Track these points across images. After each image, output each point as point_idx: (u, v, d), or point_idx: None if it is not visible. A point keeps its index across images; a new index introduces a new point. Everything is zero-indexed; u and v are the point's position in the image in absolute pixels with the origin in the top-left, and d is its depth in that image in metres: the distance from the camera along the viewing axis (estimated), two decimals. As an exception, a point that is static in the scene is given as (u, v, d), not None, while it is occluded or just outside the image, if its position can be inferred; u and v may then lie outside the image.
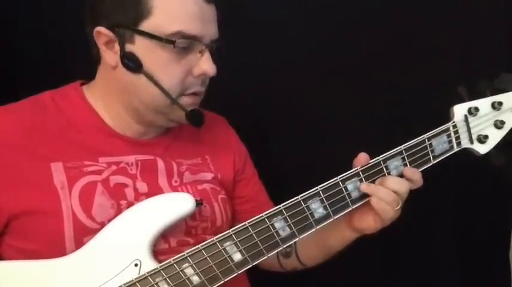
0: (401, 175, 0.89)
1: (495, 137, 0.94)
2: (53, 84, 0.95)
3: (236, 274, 0.84)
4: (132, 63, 0.86)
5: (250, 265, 0.84)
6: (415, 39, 1.27)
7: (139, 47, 0.86)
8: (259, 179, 1.11)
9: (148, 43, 0.85)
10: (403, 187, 0.87)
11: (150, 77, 0.86)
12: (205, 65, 0.88)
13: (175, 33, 0.84)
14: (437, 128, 0.92)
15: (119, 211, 0.85)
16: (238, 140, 1.10)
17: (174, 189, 0.93)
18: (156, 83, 0.86)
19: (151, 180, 0.91)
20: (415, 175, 0.89)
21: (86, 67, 0.94)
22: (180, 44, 0.85)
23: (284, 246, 0.86)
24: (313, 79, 1.30)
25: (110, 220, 0.84)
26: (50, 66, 1.26)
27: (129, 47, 0.86)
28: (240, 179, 1.06)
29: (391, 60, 1.27)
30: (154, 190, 0.90)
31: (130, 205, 0.86)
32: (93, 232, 0.83)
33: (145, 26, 0.85)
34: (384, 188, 0.86)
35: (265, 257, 0.85)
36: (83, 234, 0.83)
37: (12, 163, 0.83)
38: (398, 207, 0.87)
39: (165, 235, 0.87)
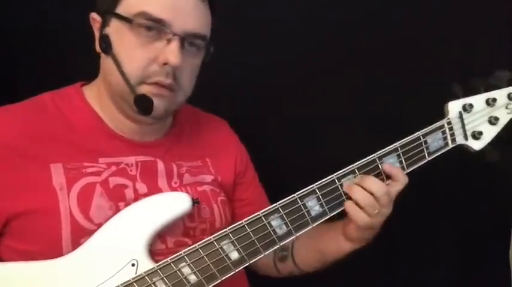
0: None
1: (489, 133, 0.95)
2: (53, 84, 0.95)
3: (233, 272, 0.84)
4: (104, 45, 0.87)
5: (247, 264, 0.84)
6: (410, 37, 1.27)
7: (112, 29, 0.87)
8: (259, 182, 1.11)
9: (119, 25, 0.86)
10: (380, 188, 0.86)
11: (115, 59, 0.86)
12: (170, 54, 0.84)
13: (140, 13, 0.84)
14: (432, 125, 0.92)
15: (117, 213, 0.85)
16: (239, 144, 1.09)
17: (174, 190, 0.92)
18: (118, 65, 0.85)
19: (151, 181, 0.91)
20: (393, 171, 0.89)
21: (86, 67, 0.94)
22: (141, 23, 0.84)
23: (281, 244, 0.86)
24: (308, 78, 1.30)
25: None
26: (50, 67, 1.25)
27: (106, 30, 0.88)
28: (241, 182, 1.06)
29: (386, 58, 1.27)
30: (153, 191, 0.89)
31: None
32: (91, 233, 0.83)
33: (120, 9, 0.86)
34: (361, 190, 0.86)
35: (262, 255, 0.85)
36: (80, 235, 0.83)
37: (11, 164, 0.83)
38: (375, 212, 0.86)
39: (162, 235, 0.87)
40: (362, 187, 0.87)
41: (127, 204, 0.86)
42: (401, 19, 1.27)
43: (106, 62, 0.88)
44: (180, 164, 0.95)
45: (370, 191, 0.86)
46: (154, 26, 0.84)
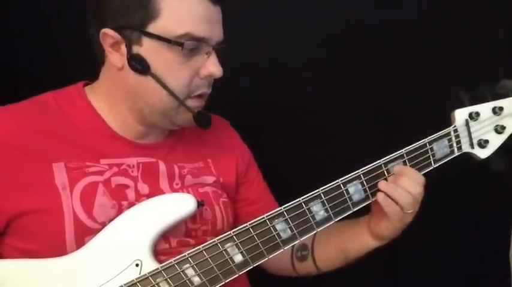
0: None
1: (496, 142, 0.95)
2: (54, 84, 0.95)
3: (237, 275, 0.84)
4: (139, 65, 0.86)
5: (251, 267, 0.85)
6: (417, 44, 1.27)
7: (146, 48, 0.86)
8: (264, 180, 1.11)
9: (156, 45, 0.85)
10: (418, 188, 0.87)
11: (157, 79, 0.86)
12: (212, 66, 0.88)
13: (184, 35, 0.84)
14: (438, 132, 0.92)
15: (120, 212, 0.85)
16: (241, 143, 1.10)
17: (175, 191, 0.92)
18: (163, 85, 0.86)
19: (153, 182, 0.91)
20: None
21: (87, 67, 0.94)
22: (188, 46, 0.85)
23: (285, 248, 0.86)
24: (315, 81, 1.30)
25: (111, 220, 0.84)
26: (50, 67, 1.25)
27: (136, 49, 0.86)
28: (244, 181, 1.06)
29: (393, 64, 1.28)
30: (155, 192, 0.89)
31: (131, 205, 0.86)
32: (94, 232, 0.83)
33: (153, 28, 0.84)
34: (401, 190, 0.86)
35: (266, 258, 0.85)
36: (84, 234, 0.83)
37: (13, 164, 0.83)
38: (410, 211, 0.87)
39: (165, 235, 0.87)
40: (400, 187, 0.87)
41: (130, 203, 0.87)
42: (412, 24, 1.28)
43: (139, 80, 0.87)
44: (181, 166, 0.95)
45: (407, 190, 0.86)
46: (197, 45, 0.86)
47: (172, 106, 0.89)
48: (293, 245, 0.99)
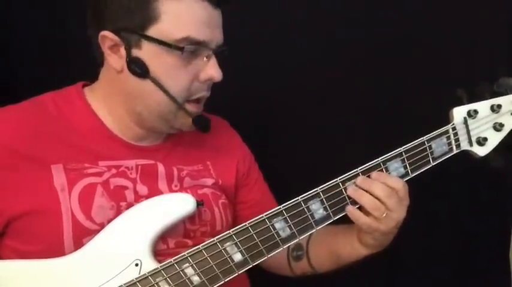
0: (401, 177, 0.89)
1: (494, 139, 0.95)
2: (53, 84, 0.95)
3: (236, 274, 0.84)
4: (138, 69, 0.85)
5: (251, 266, 0.85)
6: (415, 42, 1.27)
7: (146, 52, 0.85)
8: (265, 182, 1.11)
9: (156, 48, 0.84)
10: (383, 190, 0.85)
11: (156, 83, 0.86)
12: (212, 70, 0.88)
13: (184, 39, 0.84)
14: (436, 130, 0.92)
15: (118, 213, 0.85)
16: (241, 144, 1.09)
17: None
18: (163, 89, 0.86)
19: (152, 184, 0.91)
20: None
21: (86, 68, 0.94)
22: (188, 49, 0.85)
23: (284, 247, 0.86)
24: (314, 80, 1.30)
25: (109, 222, 0.84)
26: (50, 67, 1.26)
27: (135, 52, 0.85)
28: (244, 184, 1.06)
29: (391, 62, 1.28)
30: (154, 193, 0.89)
31: (130, 206, 0.86)
32: (93, 233, 0.83)
33: (153, 31, 0.84)
34: (365, 193, 0.86)
35: (266, 257, 0.85)
36: (82, 235, 0.83)
37: (12, 165, 0.83)
38: (383, 215, 0.85)
39: (163, 236, 0.87)
40: (366, 191, 0.86)
41: (128, 204, 0.87)
42: (409, 23, 1.28)
43: (138, 84, 0.87)
44: (180, 168, 0.95)
45: (374, 194, 0.86)
46: (197, 48, 0.85)
47: (171, 110, 0.88)
48: (289, 245, 1.00)
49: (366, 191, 0.86)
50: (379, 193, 0.85)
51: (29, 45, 1.27)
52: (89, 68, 0.94)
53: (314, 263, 1.02)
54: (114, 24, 0.85)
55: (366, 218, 0.86)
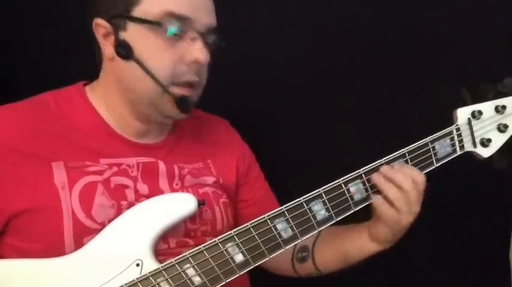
0: None
1: (498, 140, 0.94)
2: (53, 84, 0.95)
3: (238, 275, 0.84)
4: (123, 50, 0.85)
5: (252, 266, 0.84)
6: (420, 42, 1.27)
7: (131, 33, 0.85)
8: (266, 181, 1.10)
9: (140, 29, 0.85)
10: (411, 182, 0.85)
11: (140, 64, 0.85)
12: (197, 51, 0.85)
13: (164, 13, 0.83)
14: (440, 131, 0.92)
15: (119, 211, 0.85)
16: (242, 143, 1.09)
17: (175, 192, 0.92)
18: (146, 70, 0.85)
19: (152, 182, 0.91)
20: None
21: (87, 67, 0.94)
22: (169, 24, 0.83)
23: (286, 247, 0.85)
24: (316, 80, 1.30)
25: (110, 220, 0.84)
26: (50, 67, 1.25)
27: (122, 35, 0.86)
28: (245, 182, 1.05)
29: (395, 62, 1.27)
30: (155, 192, 0.89)
31: (130, 205, 0.86)
32: (93, 232, 0.83)
33: (136, 12, 0.84)
34: (391, 185, 0.85)
35: (267, 258, 0.84)
36: (83, 234, 0.83)
37: (12, 162, 0.83)
38: (405, 209, 0.85)
39: (164, 235, 0.87)
40: (391, 180, 0.85)
41: (129, 203, 0.86)
42: (413, 22, 1.27)
43: (126, 68, 0.87)
44: (181, 166, 0.95)
45: (399, 185, 0.85)
46: (179, 26, 0.84)
47: (157, 93, 0.87)
48: (294, 247, 0.99)
49: (391, 180, 0.85)
50: (406, 185, 0.84)
51: (29, 45, 1.26)
52: (89, 68, 0.94)
53: (319, 264, 1.01)
54: (105, 12, 0.87)
55: (391, 209, 0.85)
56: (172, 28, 0.84)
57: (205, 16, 0.87)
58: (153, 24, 0.83)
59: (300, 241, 0.86)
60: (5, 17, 1.25)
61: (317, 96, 1.30)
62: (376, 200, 0.87)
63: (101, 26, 0.87)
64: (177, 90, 0.88)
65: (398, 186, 0.85)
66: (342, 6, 1.28)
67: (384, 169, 0.87)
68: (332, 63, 1.28)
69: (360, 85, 1.28)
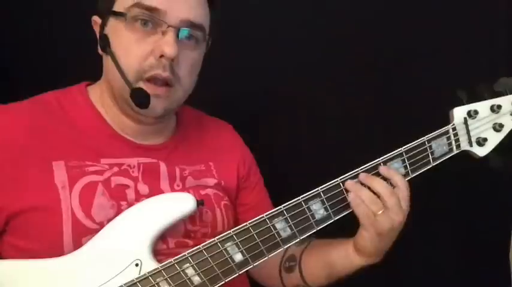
0: None
1: (494, 139, 0.95)
2: (53, 84, 0.95)
3: (237, 274, 0.84)
4: (102, 43, 0.88)
5: (251, 266, 0.84)
6: (416, 42, 1.28)
7: (109, 28, 0.88)
8: (264, 187, 1.10)
9: (115, 23, 0.87)
10: (384, 187, 0.85)
11: (112, 57, 0.86)
12: (165, 45, 0.83)
13: (134, 5, 0.84)
14: (437, 130, 0.93)
15: (119, 212, 0.85)
16: (243, 147, 1.09)
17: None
18: (116, 63, 0.85)
19: (153, 183, 0.91)
20: (390, 173, 0.87)
21: (87, 67, 0.94)
22: (134, 14, 0.84)
23: (285, 247, 0.86)
24: (314, 81, 1.30)
25: (109, 221, 0.84)
26: (50, 67, 1.25)
27: (105, 30, 0.88)
28: (244, 186, 1.05)
29: (392, 62, 1.28)
30: (155, 193, 0.89)
31: (130, 206, 0.86)
32: (92, 232, 0.83)
33: (115, 6, 0.87)
34: (363, 187, 0.85)
35: (266, 257, 0.85)
36: (82, 234, 0.82)
37: (13, 161, 0.83)
38: (380, 212, 0.84)
39: (163, 235, 0.87)
40: (366, 186, 0.86)
41: (129, 204, 0.86)
42: (409, 22, 1.28)
43: (106, 61, 0.89)
44: (183, 168, 0.95)
45: (374, 190, 0.85)
46: (149, 18, 0.84)
47: (123, 86, 0.86)
48: (282, 256, 0.99)
49: (367, 186, 0.86)
50: (380, 189, 0.85)
51: (29, 45, 1.26)
52: (89, 68, 0.94)
53: (306, 276, 0.98)
54: (98, 9, 0.90)
55: (365, 207, 0.85)
56: (137, 16, 0.84)
57: (180, 9, 0.85)
58: (122, 16, 0.84)
59: (298, 240, 0.86)
60: (5, 16, 1.25)
61: (316, 96, 1.31)
62: (351, 197, 0.86)
63: (96, 22, 0.91)
64: (144, 86, 0.85)
65: (373, 190, 0.85)
66: (342, 5, 1.29)
67: (361, 175, 0.87)
68: (331, 63, 1.29)
69: (357, 85, 1.29)
